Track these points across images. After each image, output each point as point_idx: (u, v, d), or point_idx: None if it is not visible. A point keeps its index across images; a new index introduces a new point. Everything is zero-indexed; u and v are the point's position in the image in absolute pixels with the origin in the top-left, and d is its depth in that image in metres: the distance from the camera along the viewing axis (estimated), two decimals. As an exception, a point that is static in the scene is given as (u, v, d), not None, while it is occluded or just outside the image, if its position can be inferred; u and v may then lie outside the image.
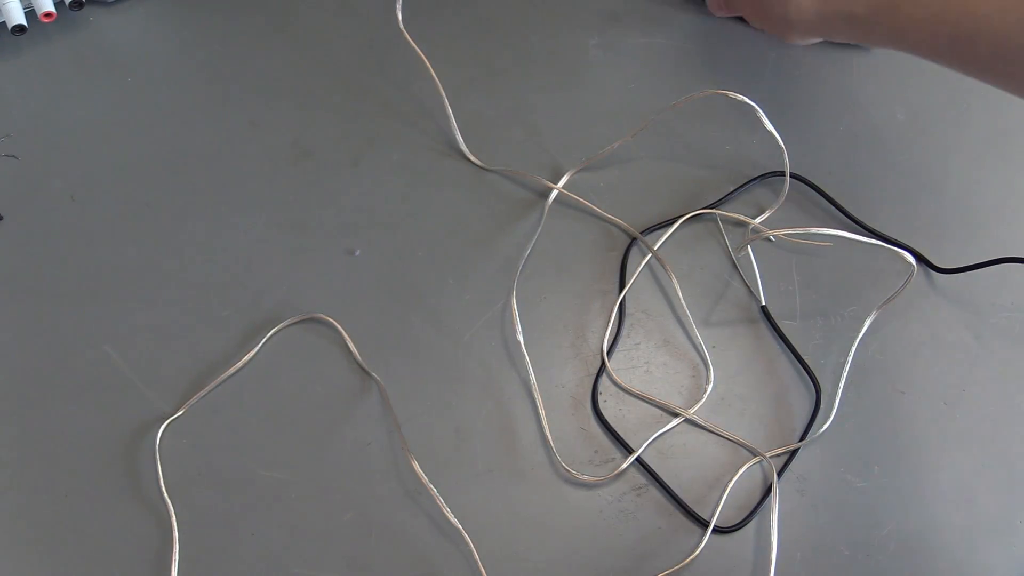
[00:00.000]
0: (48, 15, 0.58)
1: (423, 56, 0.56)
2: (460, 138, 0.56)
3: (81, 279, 0.52)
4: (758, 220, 0.54)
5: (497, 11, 0.63)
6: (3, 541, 0.45)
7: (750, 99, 0.51)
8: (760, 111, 0.51)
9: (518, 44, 0.61)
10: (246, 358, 0.49)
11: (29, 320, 0.51)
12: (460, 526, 0.45)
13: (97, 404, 0.48)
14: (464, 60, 0.60)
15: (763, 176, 0.56)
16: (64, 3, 0.59)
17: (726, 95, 0.51)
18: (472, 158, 0.56)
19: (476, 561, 0.44)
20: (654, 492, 0.47)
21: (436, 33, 0.61)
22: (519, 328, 0.50)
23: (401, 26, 0.56)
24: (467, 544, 0.45)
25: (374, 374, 0.49)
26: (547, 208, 0.55)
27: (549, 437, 0.48)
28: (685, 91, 0.59)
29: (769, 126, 0.51)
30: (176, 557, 0.44)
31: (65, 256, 0.53)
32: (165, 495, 0.46)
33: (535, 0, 0.63)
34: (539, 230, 0.54)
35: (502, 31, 0.62)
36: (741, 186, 0.55)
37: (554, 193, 0.55)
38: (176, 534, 0.45)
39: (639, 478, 0.47)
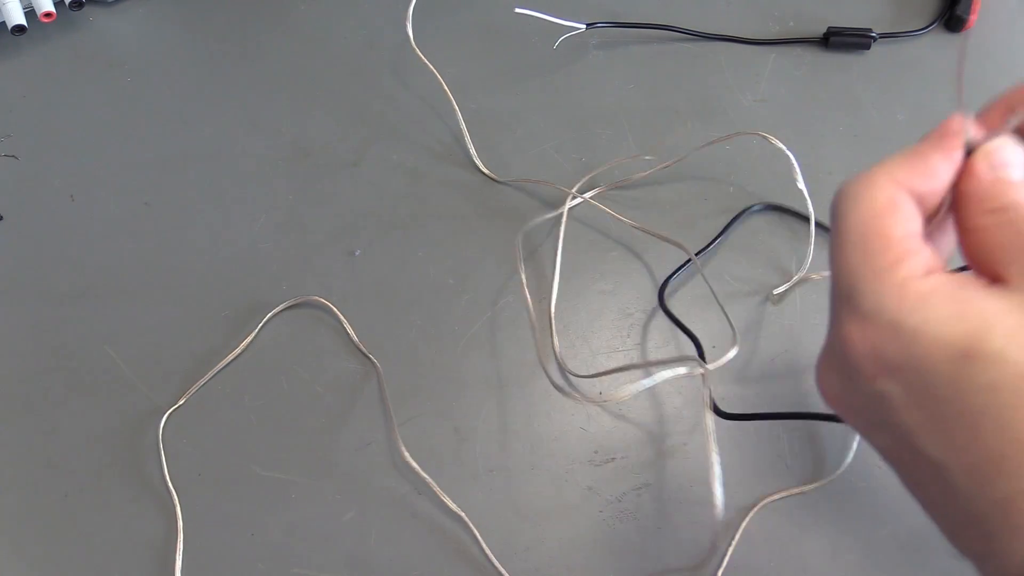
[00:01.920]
0: (48, 15, 0.58)
1: (425, 60, 0.56)
2: (468, 138, 0.56)
3: (81, 279, 0.52)
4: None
5: (504, 13, 0.63)
6: (6, 539, 0.45)
7: (768, 130, 0.51)
8: (795, 163, 0.50)
9: (530, 48, 0.61)
10: (245, 342, 0.50)
11: (29, 320, 0.51)
12: (463, 514, 0.45)
13: (98, 403, 0.48)
14: (472, 61, 0.60)
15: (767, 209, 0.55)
16: (64, 3, 0.59)
17: (767, 139, 0.51)
18: (477, 161, 0.56)
19: (483, 547, 0.44)
20: (654, 492, 0.47)
21: (441, 33, 0.61)
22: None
23: (409, 32, 0.56)
24: (471, 531, 0.45)
25: (372, 357, 0.49)
26: (564, 218, 0.55)
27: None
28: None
29: (801, 184, 0.50)
30: (181, 547, 0.44)
31: (65, 256, 0.53)
32: (169, 483, 0.46)
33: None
34: (546, 237, 0.54)
35: (510, 33, 0.62)
36: (737, 216, 0.55)
37: (565, 211, 0.55)
38: (180, 523, 0.45)
39: (638, 478, 0.47)
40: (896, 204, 0.24)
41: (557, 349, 0.50)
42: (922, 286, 0.23)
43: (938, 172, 0.25)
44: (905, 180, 0.24)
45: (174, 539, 0.45)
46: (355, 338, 0.50)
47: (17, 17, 0.57)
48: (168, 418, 0.48)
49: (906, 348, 0.22)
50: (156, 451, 0.47)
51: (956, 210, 0.25)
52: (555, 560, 0.45)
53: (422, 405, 0.49)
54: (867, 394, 0.24)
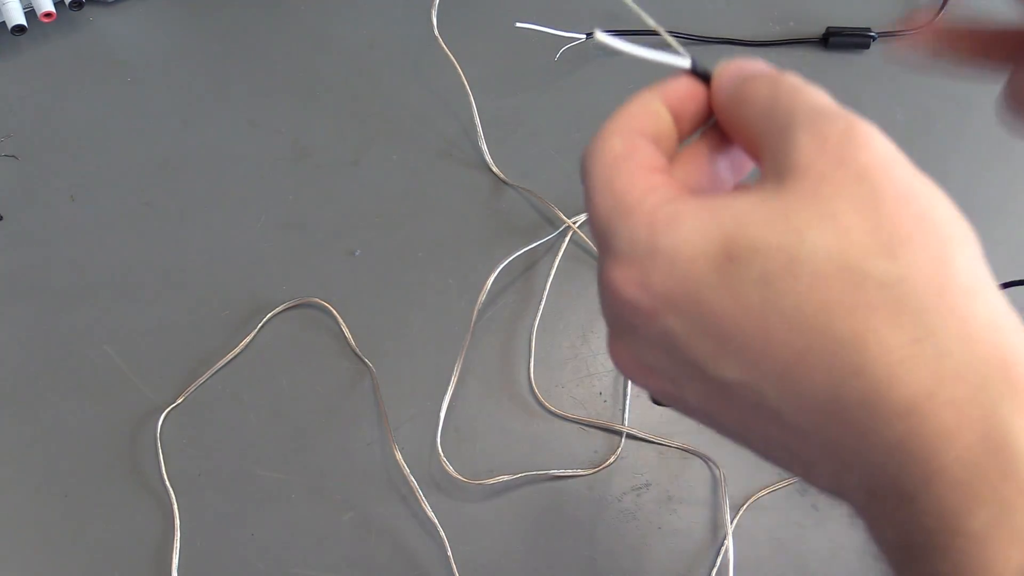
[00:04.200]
0: (48, 15, 0.58)
1: (450, 54, 0.56)
2: (482, 136, 0.56)
3: (81, 279, 0.52)
4: None
5: (506, 26, 0.63)
6: (3, 538, 0.45)
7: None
8: None
9: (532, 59, 0.61)
10: (244, 342, 0.50)
11: (29, 320, 0.51)
12: (438, 522, 0.45)
13: (97, 402, 0.48)
14: (474, 67, 0.60)
15: None
16: (64, 3, 0.59)
17: None
18: (489, 160, 0.56)
19: (450, 562, 0.44)
20: (655, 491, 0.47)
21: (455, 30, 0.61)
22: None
23: (434, 28, 0.56)
24: (444, 541, 0.45)
25: (367, 360, 0.49)
26: (563, 249, 0.55)
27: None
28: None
29: None
30: (177, 545, 0.44)
31: (65, 256, 0.53)
32: (167, 482, 0.46)
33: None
34: (542, 243, 0.54)
35: (512, 45, 0.62)
36: None
37: (563, 248, 0.54)
38: (177, 522, 0.45)
39: (639, 477, 0.47)
40: (632, 148, 0.24)
41: (532, 376, 0.50)
42: (670, 208, 0.22)
43: (660, 112, 0.26)
44: (634, 127, 0.25)
45: (171, 538, 0.45)
46: (352, 341, 0.50)
47: (17, 17, 0.57)
48: (166, 417, 0.48)
49: (669, 272, 0.21)
50: (154, 450, 0.47)
51: (721, 125, 0.26)
52: (555, 560, 0.45)
53: (421, 406, 0.49)
54: (655, 341, 0.23)
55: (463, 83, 0.57)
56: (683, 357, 0.22)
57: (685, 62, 0.26)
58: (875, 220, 0.20)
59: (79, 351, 0.50)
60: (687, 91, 0.26)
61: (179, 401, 0.48)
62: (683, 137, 0.26)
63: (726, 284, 0.21)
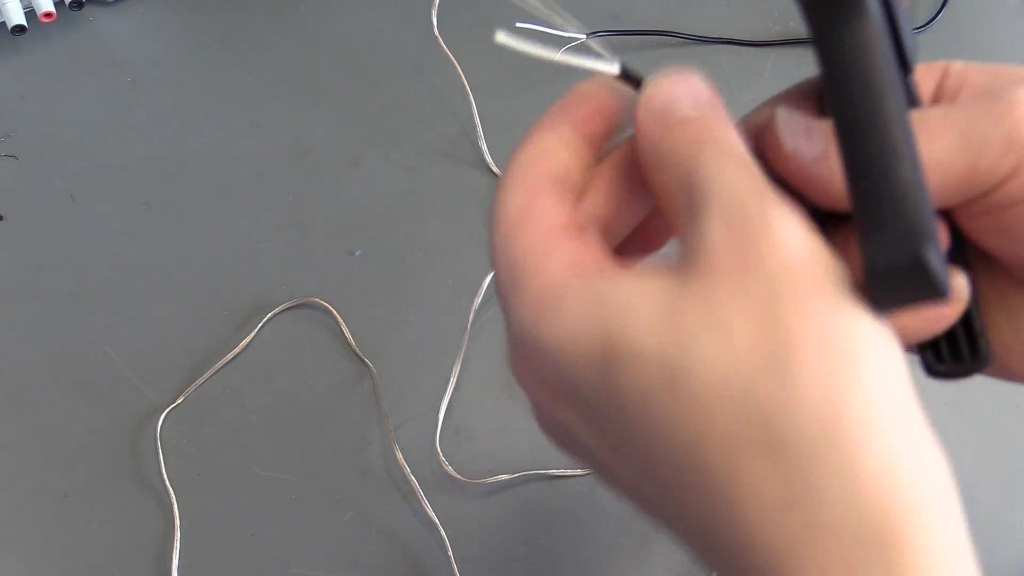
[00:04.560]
0: (48, 15, 0.58)
1: (450, 54, 0.56)
2: (482, 135, 0.56)
3: (81, 279, 0.52)
4: None
5: (507, 26, 0.63)
6: (3, 538, 0.45)
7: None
8: None
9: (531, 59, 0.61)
10: (244, 342, 0.50)
11: (29, 320, 0.51)
12: (438, 522, 0.45)
13: (97, 402, 0.48)
14: (476, 69, 0.60)
15: None
16: (64, 3, 0.59)
17: None
18: (489, 159, 0.56)
19: (451, 560, 0.44)
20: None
21: (457, 28, 0.61)
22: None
23: (434, 28, 0.56)
24: (444, 541, 0.45)
25: (367, 360, 0.49)
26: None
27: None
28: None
29: None
30: (177, 546, 0.44)
31: (65, 256, 0.53)
32: (167, 482, 0.46)
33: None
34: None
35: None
36: None
37: None
38: (177, 522, 0.45)
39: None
40: (531, 203, 0.21)
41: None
42: (558, 290, 0.19)
43: (565, 143, 0.22)
44: (534, 172, 0.22)
45: (171, 538, 0.45)
46: (351, 341, 0.50)
47: (17, 17, 0.57)
48: (166, 417, 0.48)
49: (555, 368, 0.19)
50: (154, 450, 0.47)
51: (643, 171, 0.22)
52: (556, 561, 0.45)
53: (421, 406, 0.49)
54: (555, 426, 0.22)
55: (463, 83, 0.57)
56: (582, 448, 0.21)
57: (612, 68, 0.22)
58: (770, 335, 0.17)
59: (79, 351, 0.50)
60: (596, 109, 0.23)
61: (179, 401, 0.48)
62: (601, 156, 0.23)
63: (607, 391, 0.18)
